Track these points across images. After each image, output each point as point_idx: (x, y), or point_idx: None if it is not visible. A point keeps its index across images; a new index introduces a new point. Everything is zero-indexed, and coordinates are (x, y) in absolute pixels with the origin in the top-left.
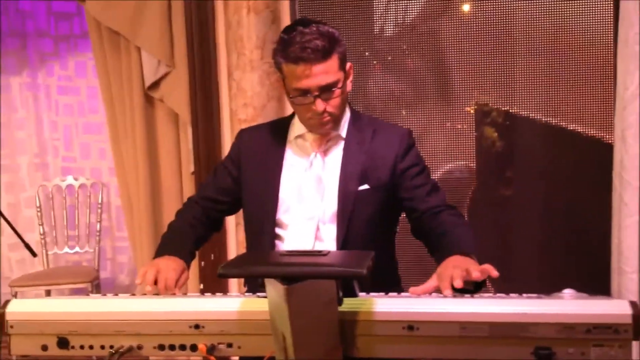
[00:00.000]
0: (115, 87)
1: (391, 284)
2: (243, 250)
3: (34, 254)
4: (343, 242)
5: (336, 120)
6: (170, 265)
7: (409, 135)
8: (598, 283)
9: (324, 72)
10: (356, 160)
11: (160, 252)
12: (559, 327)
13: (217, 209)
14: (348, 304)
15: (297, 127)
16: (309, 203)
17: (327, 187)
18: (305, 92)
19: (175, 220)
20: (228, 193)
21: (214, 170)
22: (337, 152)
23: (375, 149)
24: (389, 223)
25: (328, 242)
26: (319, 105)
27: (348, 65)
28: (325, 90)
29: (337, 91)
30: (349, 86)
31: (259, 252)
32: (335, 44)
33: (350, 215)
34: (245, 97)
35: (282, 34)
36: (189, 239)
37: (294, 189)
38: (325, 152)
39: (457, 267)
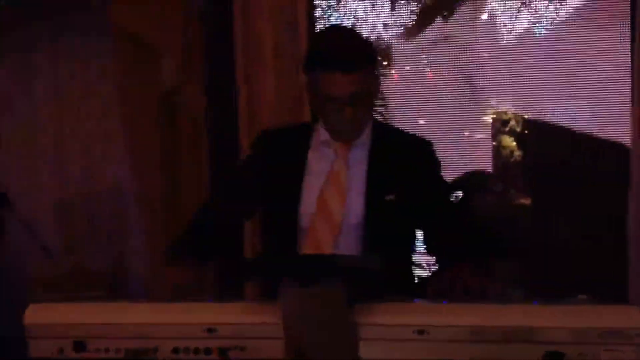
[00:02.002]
0: (133, 91)
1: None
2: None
3: (50, 257)
4: (365, 251)
5: (363, 128)
6: None
7: (432, 147)
8: (615, 291)
9: (358, 80)
10: (383, 168)
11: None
12: (570, 331)
13: (238, 213)
14: (359, 308)
15: (321, 133)
16: (330, 210)
17: (351, 195)
18: (336, 99)
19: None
20: (248, 196)
21: (233, 173)
22: (362, 160)
23: (401, 159)
24: (410, 234)
25: (349, 250)
26: (349, 113)
27: (379, 78)
28: (357, 98)
29: (368, 100)
30: (376, 97)
31: (274, 255)
32: (371, 53)
33: (376, 225)
34: (262, 102)
35: (316, 39)
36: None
37: (315, 194)
38: (349, 160)
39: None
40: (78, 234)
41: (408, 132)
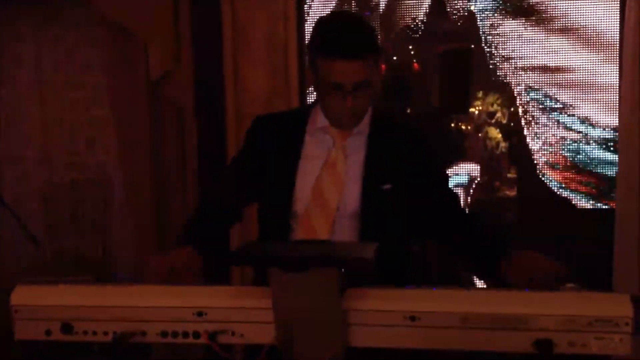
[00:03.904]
0: (120, 81)
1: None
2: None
3: (37, 245)
4: (361, 239)
5: (362, 117)
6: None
7: (428, 141)
8: (600, 280)
9: (361, 69)
10: (380, 158)
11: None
12: (560, 319)
13: (237, 202)
14: (350, 293)
15: (320, 119)
16: (326, 197)
17: (348, 183)
18: (339, 86)
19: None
20: (246, 185)
21: (231, 164)
22: (359, 148)
23: (399, 149)
24: (406, 223)
25: (344, 238)
26: (351, 101)
27: (380, 68)
28: (359, 87)
29: (369, 89)
30: (377, 87)
31: (265, 241)
32: (374, 41)
33: (372, 213)
34: (250, 92)
35: (320, 26)
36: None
37: (311, 181)
38: (347, 147)
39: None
40: (63, 222)
41: (407, 123)
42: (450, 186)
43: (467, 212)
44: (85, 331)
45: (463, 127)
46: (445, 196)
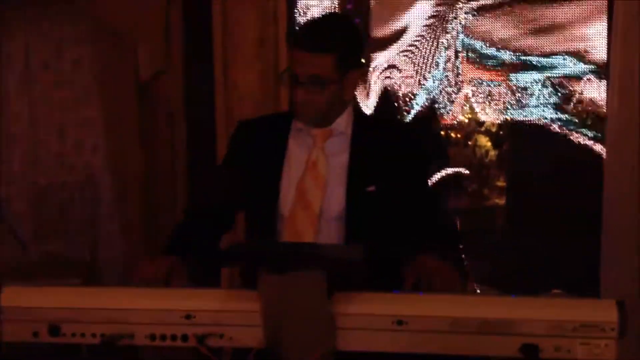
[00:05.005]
0: (109, 82)
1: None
2: None
3: (24, 247)
4: (346, 242)
5: (320, 115)
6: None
7: (415, 135)
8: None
9: (316, 62)
10: (364, 159)
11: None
12: (546, 324)
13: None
14: (338, 297)
15: None
16: (309, 199)
17: (332, 185)
18: (295, 77)
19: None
20: (233, 191)
21: (217, 170)
22: (342, 150)
23: (383, 150)
24: (392, 225)
25: (329, 241)
26: (299, 93)
27: (354, 73)
28: (311, 82)
29: (325, 88)
30: (347, 91)
31: (253, 241)
32: (334, 42)
33: (357, 216)
34: (241, 93)
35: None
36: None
37: (295, 182)
38: (328, 148)
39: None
40: (50, 223)
41: (391, 121)
42: (427, 184)
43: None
44: (73, 333)
45: (453, 135)
46: (420, 194)
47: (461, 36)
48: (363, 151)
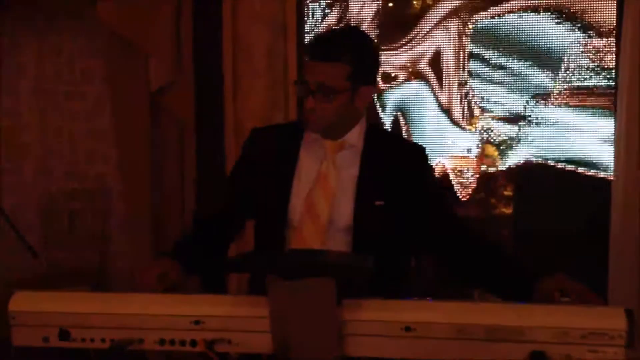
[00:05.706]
0: (121, 92)
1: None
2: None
3: (35, 255)
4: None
5: (329, 125)
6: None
7: (425, 153)
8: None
9: (327, 71)
10: (374, 173)
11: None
12: (554, 331)
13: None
14: (347, 304)
15: None
16: (318, 210)
17: (341, 198)
18: (306, 84)
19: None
20: (243, 197)
21: (228, 178)
22: (353, 163)
23: (393, 164)
24: (400, 239)
25: None
26: (309, 101)
27: (366, 89)
28: (322, 91)
29: (336, 99)
30: (359, 104)
31: (262, 250)
32: (346, 53)
33: (364, 229)
34: (250, 104)
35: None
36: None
37: (305, 193)
38: (339, 160)
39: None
40: (61, 233)
41: (403, 137)
42: (445, 201)
43: (470, 228)
44: (82, 338)
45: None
46: (441, 212)
47: None
48: (373, 165)
